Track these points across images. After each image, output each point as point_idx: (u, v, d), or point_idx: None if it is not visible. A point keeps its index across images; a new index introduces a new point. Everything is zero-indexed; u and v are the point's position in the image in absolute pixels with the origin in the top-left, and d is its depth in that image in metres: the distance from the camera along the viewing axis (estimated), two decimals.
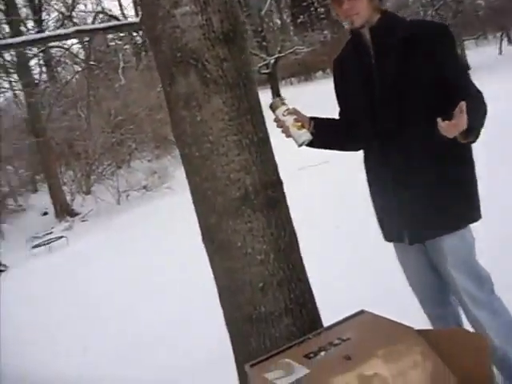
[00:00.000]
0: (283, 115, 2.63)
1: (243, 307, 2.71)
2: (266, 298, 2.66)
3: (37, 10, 23.55)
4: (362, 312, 2.58)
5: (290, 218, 2.81)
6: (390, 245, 2.87)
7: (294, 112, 2.66)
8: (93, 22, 22.53)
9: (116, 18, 19.92)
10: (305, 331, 2.61)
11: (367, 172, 2.84)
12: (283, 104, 2.65)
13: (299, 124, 2.62)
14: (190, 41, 2.52)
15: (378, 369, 2.10)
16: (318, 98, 14.80)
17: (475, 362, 2.15)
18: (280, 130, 2.68)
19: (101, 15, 22.71)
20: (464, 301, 2.63)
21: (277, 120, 2.66)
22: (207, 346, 4.48)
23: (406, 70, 2.50)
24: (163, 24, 2.54)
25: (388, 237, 2.84)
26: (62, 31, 2.77)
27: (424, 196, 2.56)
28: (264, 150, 2.70)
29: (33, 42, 2.81)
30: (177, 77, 2.58)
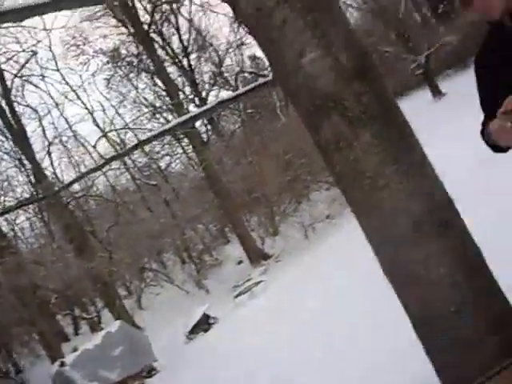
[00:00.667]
0: None
1: (440, 335, 2.63)
2: (463, 321, 2.55)
3: (191, 77, 25.18)
4: None
5: (470, 235, 2.69)
6: None
7: None
8: (235, 82, 23.52)
9: (256, 74, 20.61)
10: None
11: None
12: None
13: None
14: (324, 85, 2.54)
15: None
16: None
17: None
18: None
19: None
20: None
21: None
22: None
23: None
24: (295, 76, 2.60)
25: None
26: (206, 107, 2.97)
27: None
28: (425, 173, 2.62)
29: (184, 124, 3.03)
30: (321, 123, 2.61)
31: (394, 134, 2.57)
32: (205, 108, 3.79)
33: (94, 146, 20.51)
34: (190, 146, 23.70)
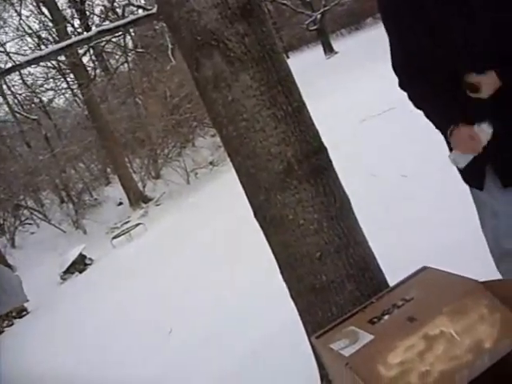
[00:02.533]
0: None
1: (304, 278, 2.71)
2: (326, 266, 2.64)
3: (80, 9, 23.95)
4: (424, 268, 2.51)
5: (340, 182, 2.77)
6: (458, 194, 2.71)
7: None
8: (122, 15, 22.67)
9: (143, 8, 19.89)
10: (370, 295, 2.58)
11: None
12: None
13: None
14: (207, 22, 2.48)
15: (444, 327, 2.04)
16: (370, 45, 14.46)
17: None
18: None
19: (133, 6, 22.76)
20: None
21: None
22: (280, 319, 4.47)
23: None
24: (179, 10, 2.52)
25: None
26: (84, 36, 2.80)
27: None
28: (301, 119, 2.65)
29: (58, 52, 2.85)
30: (202, 60, 2.56)
31: (274, 78, 2.57)
32: (83, 36, 3.61)
33: None
34: (76, 82, 22.74)
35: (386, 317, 2.25)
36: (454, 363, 1.98)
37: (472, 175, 2.45)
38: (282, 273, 2.85)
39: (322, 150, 2.71)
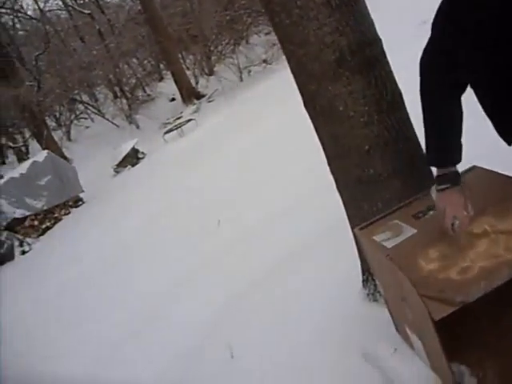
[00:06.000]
0: None
1: (352, 171, 2.69)
2: (374, 159, 2.60)
3: None
4: (473, 168, 2.44)
5: (393, 76, 2.68)
6: None
7: None
8: None
9: None
10: (416, 191, 2.53)
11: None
12: None
13: None
14: None
15: (488, 226, 2.00)
16: None
17: None
18: None
19: None
20: None
21: None
22: (329, 214, 4.48)
23: None
24: None
25: None
26: None
27: None
28: (357, 9, 2.54)
29: None
30: None
31: None
32: None
33: None
34: None
35: (431, 212, 2.24)
36: (495, 261, 1.92)
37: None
38: (329, 164, 2.83)
39: (376, 41, 2.61)
